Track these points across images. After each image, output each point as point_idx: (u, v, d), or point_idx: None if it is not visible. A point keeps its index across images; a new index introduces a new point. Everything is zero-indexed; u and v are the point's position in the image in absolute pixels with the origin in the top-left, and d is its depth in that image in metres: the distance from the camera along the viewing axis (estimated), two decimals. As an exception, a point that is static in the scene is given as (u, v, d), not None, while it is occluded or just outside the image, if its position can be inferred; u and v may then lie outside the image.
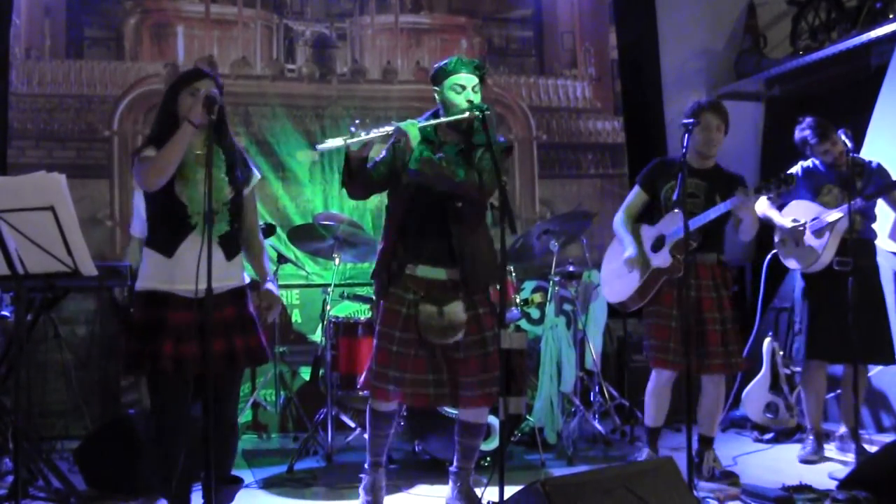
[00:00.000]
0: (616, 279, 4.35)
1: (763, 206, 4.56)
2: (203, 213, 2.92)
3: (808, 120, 4.51)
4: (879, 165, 4.48)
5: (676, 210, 4.10)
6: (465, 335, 3.46)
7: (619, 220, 4.34)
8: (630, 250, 4.21)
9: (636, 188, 4.34)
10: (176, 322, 3.03)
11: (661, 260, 4.12)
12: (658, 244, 4.17)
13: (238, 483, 3.45)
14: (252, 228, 3.32)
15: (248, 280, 3.30)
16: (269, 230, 4.81)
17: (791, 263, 4.57)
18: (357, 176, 3.47)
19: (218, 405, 3.03)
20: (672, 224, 4.13)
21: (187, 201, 3.04)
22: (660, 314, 4.16)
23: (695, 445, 4.18)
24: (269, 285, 3.30)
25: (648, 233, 4.25)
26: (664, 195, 4.21)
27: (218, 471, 3.07)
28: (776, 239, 4.61)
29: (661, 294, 4.15)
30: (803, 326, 4.51)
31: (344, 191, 3.61)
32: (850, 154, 4.30)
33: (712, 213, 3.98)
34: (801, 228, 4.44)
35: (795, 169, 4.57)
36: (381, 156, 3.57)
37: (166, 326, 3.02)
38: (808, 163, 4.57)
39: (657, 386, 4.22)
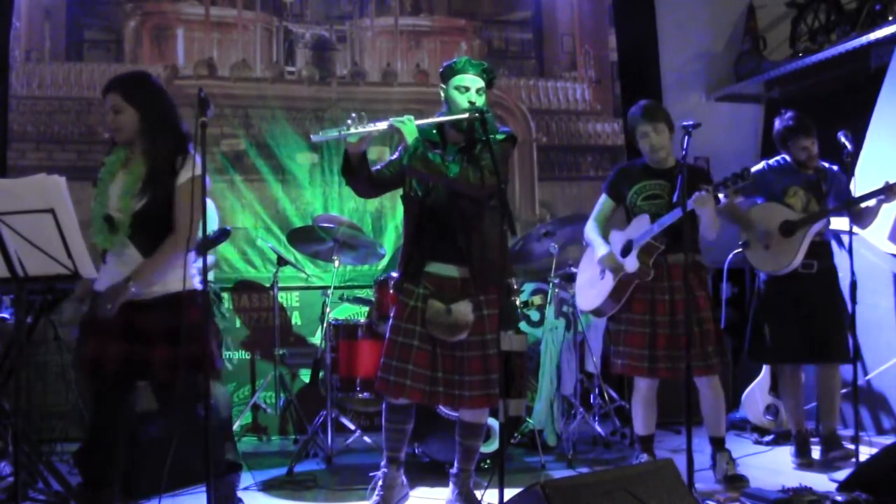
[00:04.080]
0: (589, 288, 4.35)
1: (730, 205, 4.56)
2: (104, 221, 3.11)
3: (792, 112, 4.53)
4: (839, 172, 4.50)
5: (642, 214, 4.14)
6: (468, 335, 3.48)
7: (588, 227, 4.36)
8: (602, 250, 4.21)
9: (602, 196, 4.37)
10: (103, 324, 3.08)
11: (630, 265, 4.12)
12: (626, 249, 4.17)
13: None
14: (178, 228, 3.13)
15: (189, 286, 3.15)
16: (223, 234, 4.31)
17: (760, 266, 4.54)
18: (357, 172, 3.51)
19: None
20: (638, 229, 4.15)
21: (94, 207, 3.14)
22: (632, 321, 4.16)
23: (710, 449, 4.23)
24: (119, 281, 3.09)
25: (617, 238, 4.26)
26: (630, 199, 4.24)
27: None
28: (741, 241, 4.61)
29: (633, 301, 4.15)
30: (768, 330, 4.52)
31: (350, 189, 3.66)
32: (847, 155, 4.31)
33: (675, 215, 3.97)
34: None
35: (760, 166, 4.58)
36: (393, 157, 3.61)
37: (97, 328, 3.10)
38: (774, 160, 4.59)
39: (639, 394, 4.25)
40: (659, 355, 4.07)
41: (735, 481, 4.03)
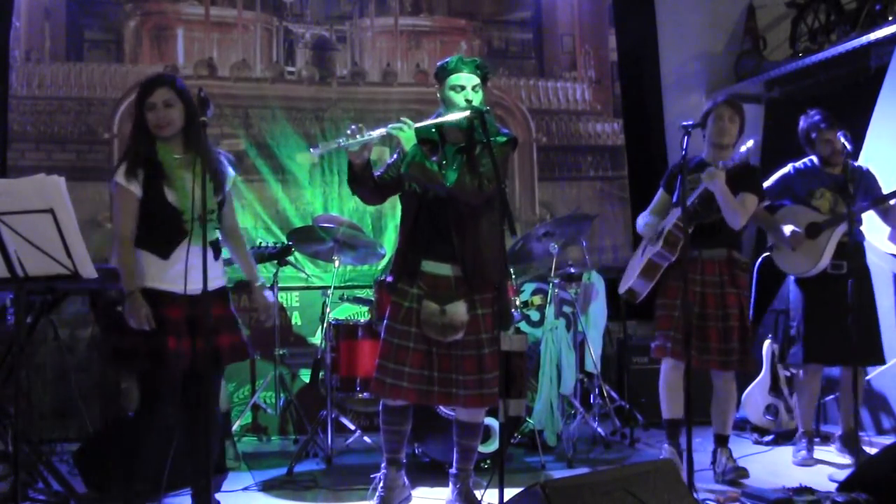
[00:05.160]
0: (630, 271, 4.48)
1: (757, 209, 4.56)
2: (194, 218, 3.12)
3: (817, 109, 4.55)
4: (868, 171, 4.50)
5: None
6: (464, 335, 3.48)
7: (641, 216, 4.45)
8: (646, 217, 4.36)
9: (659, 190, 4.45)
10: (174, 319, 3.15)
11: (654, 249, 4.20)
12: (659, 235, 4.24)
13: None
14: (233, 227, 3.46)
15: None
16: (285, 251, 4.94)
17: (787, 268, 4.57)
18: (362, 181, 3.51)
19: (203, 400, 3.14)
20: (671, 217, 4.23)
21: (181, 208, 3.16)
22: (665, 305, 4.23)
23: (711, 445, 4.26)
24: (264, 291, 3.44)
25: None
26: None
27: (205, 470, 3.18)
28: (769, 243, 4.62)
29: (668, 287, 4.22)
30: (800, 331, 4.51)
31: (350, 190, 3.65)
32: (847, 155, 4.32)
33: (692, 198, 4.05)
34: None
35: (787, 169, 4.59)
36: (392, 159, 3.60)
37: (167, 323, 3.13)
38: (800, 163, 4.60)
39: (665, 375, 4.25)
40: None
41: (736, 472, 4.05)
